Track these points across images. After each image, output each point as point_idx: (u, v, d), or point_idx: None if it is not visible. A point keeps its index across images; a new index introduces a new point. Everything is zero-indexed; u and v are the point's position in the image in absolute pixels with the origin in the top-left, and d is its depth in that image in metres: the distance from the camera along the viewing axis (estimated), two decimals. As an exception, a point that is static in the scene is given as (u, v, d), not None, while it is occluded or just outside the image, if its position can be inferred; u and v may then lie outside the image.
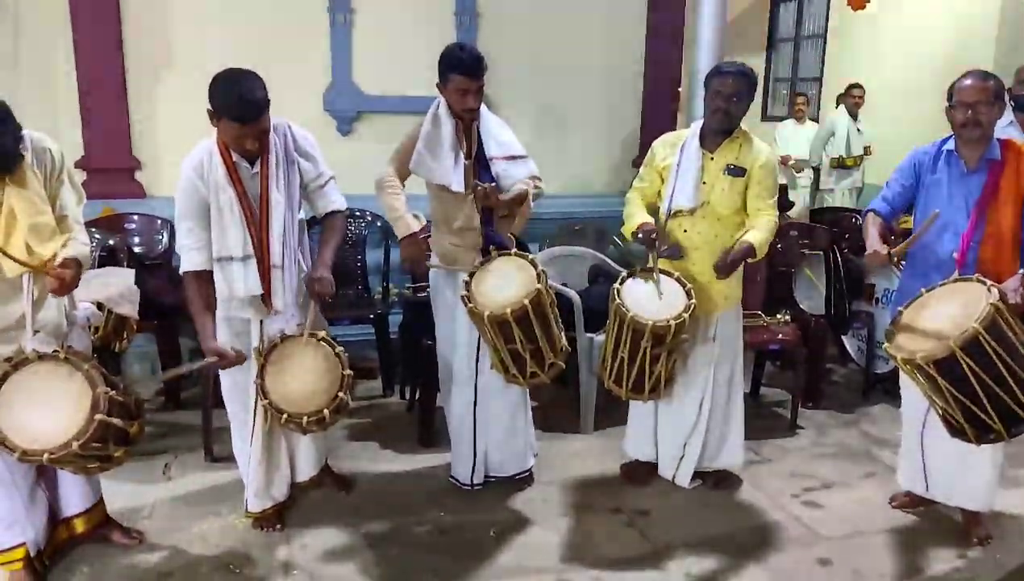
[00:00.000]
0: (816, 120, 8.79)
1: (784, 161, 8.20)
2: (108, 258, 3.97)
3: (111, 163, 4.71)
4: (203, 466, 3.56)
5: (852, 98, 7.65)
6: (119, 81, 4.65)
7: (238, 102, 2.55)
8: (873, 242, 2.94)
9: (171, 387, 4.27)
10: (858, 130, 7.70)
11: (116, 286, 3.48)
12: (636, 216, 3.19)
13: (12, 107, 2.32)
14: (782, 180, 7.91)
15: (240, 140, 2.62)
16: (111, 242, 4.04)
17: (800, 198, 8.18)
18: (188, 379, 4.41)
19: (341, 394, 2.67)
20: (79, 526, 2.86)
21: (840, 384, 4.83)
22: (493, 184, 3.03)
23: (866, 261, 3.00)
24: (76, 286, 2.47)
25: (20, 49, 4.47)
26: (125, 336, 3.57)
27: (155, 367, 4.44)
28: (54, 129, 4.37)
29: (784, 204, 5.95)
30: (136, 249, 4.34)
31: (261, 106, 2.59)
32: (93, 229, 3.94)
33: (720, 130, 3.10)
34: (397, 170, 3.18)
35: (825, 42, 9.15)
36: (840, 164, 7.71)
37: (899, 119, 7.42)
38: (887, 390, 4.33)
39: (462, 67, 2.98)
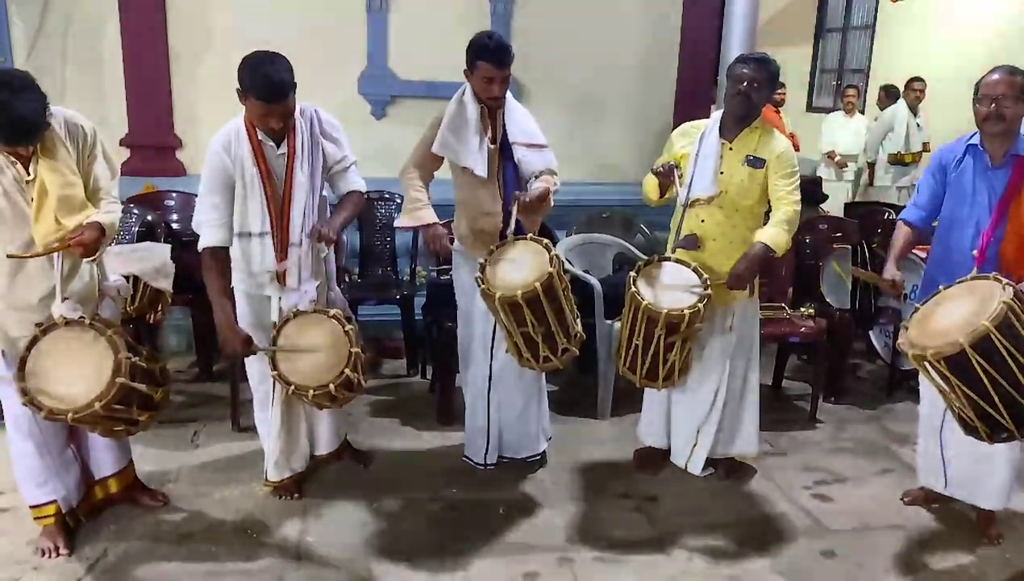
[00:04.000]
0: (863, 112, 8.60)
1: (830, 156, 8.07)
2: (146, 233, 4.07)
3: (153, 141, 4.88)
4: (229, 435, 3.70)
5: (913, 92, 7.34)
6: (163, 63, 4.81)
7: (264, 82, 2.63)
8: (892, 265, 3.01)
9: (204, 359, 4.43)
10: (918, 125, 7.39)
11: (152, 260, 3.62)
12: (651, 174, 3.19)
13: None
14: (820, 173, 7.80)
15: (265, 119, 2.71)
16: (149, 218, 4.15)
17: (845, 192, 8.01)
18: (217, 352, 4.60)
19: (347, 371, 2.72)
20: (113, 486, 3.01)
21: (865, 380, 4.78)
22: (526, 194, 3.04)
23: (880, 285, 3.04)
24: (98, 248, 2.54)
25: (70, 32, 4.65)
26: (160, 309, 3.72)
27: (190, 340, 4.61)
28: (100, 108, 4.59)
29: (817, 197, 5.88)
30: (174, 225, 4.43)
31: (286, 87, 2.67)
32: (133, 205, 4.10)
33: (740, 116, 3.08)
34: (419, 161, 3.22)
35: (874, 33, 8.96)
36: (898, 160, 7.42)
37: (947, 115, 7.23)
38: (912, 387, 4.25)
39: (489, 55, 3.01)
